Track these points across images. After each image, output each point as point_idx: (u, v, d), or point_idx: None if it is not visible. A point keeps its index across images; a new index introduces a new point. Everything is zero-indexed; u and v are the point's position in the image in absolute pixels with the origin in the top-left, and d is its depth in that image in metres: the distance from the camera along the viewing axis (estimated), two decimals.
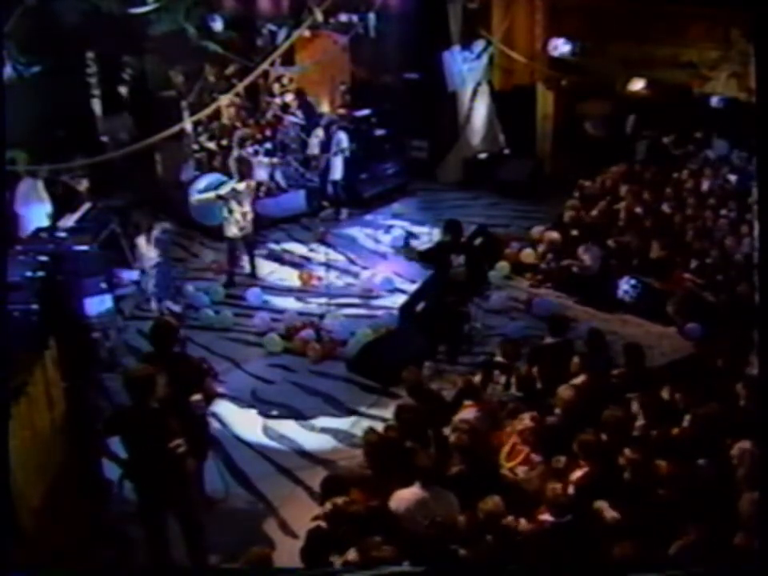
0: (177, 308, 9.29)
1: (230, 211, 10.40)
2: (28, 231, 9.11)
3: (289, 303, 10.30)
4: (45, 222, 9.52)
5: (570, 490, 5.38)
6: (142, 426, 5.51)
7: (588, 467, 5.50)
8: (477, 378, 7.11)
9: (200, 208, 11.27)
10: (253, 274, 10.90)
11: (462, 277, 8.56)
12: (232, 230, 10.51)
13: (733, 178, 11.64)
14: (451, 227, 8.81)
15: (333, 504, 5.12)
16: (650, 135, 13.23)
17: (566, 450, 5.76)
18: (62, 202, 10.24)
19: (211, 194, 10.68)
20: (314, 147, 12.85)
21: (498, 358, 7.33)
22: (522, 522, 5.26)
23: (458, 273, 8.55)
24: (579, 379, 6.60)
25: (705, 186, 11.62)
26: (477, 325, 9.45)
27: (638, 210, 11.16)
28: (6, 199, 9.58)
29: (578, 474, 5.52)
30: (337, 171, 12.82)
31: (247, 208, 10.51)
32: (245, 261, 10.97)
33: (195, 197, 11.15)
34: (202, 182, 11.49)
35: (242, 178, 10.66)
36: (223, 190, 10.51)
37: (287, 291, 10.67)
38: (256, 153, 12.40)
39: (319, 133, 12.45)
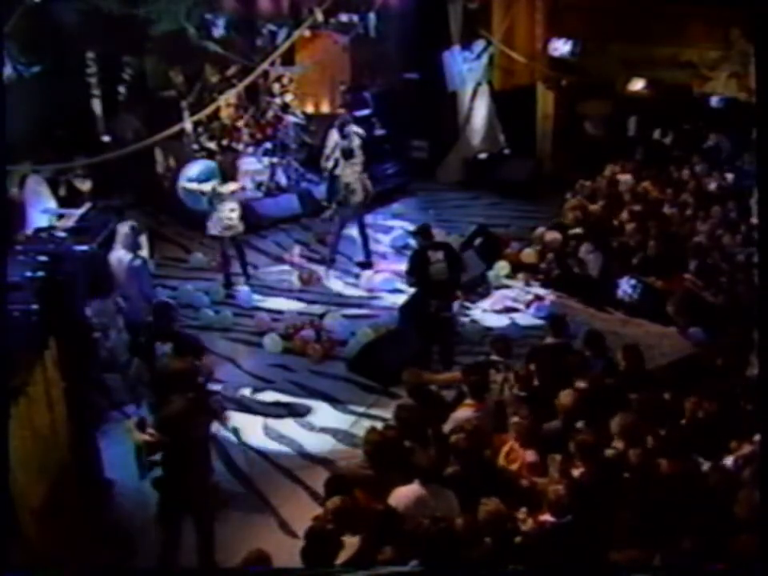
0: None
1: (214, 208, 10.35)
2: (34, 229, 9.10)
3: (288, 303, 10.30)
4: (51, 222, 9.52)
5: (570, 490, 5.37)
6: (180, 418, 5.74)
7: (584, 468, 5.50)
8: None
9: (188, 193, 11.24)
10: (245, 275, 10.78)
11: (443, 274, 8.53)
12: (213, 228, 10.44)
13: (733, 177, 11.64)
14: (421, 231, 8.94)
15: (334, 504, 5.12)
16: (650, 135, 13.23)
17: (563, 449, 5.77)
18: (65, 202, 10.25)
19: (194, 186, 10.66)
20: (328, 149, 12.25)
21: (493, 357, 7.33)
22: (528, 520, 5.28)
23: (439, 270, 8.51)
24: (579, 383, 6.57)
25: (704, 185, 11.62)
26: (476, 326, 9.46)
27: (638, 208, 11.17)
28: (15, 197, 9.59)
29: (575, 473, 5.52)
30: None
31: (231, 208, 10.37)
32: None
33: (182, 184, 11.12)
34: (193, 170, 11.43)
35: (224, 181, 10.52)
36: (206, 187, 10.48)
37: (287, 291, 10.67)
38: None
39: (334, 134, 12.39)
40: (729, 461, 5.69)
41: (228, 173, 10.81)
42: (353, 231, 12.36)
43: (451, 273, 8.60)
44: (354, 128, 11.79)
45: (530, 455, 5.97)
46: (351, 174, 11.09)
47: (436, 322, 8.57)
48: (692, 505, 5.19)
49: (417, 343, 8.78)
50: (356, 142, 12.15)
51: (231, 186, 10.49)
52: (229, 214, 10.37)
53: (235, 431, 7.30)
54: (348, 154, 11.21)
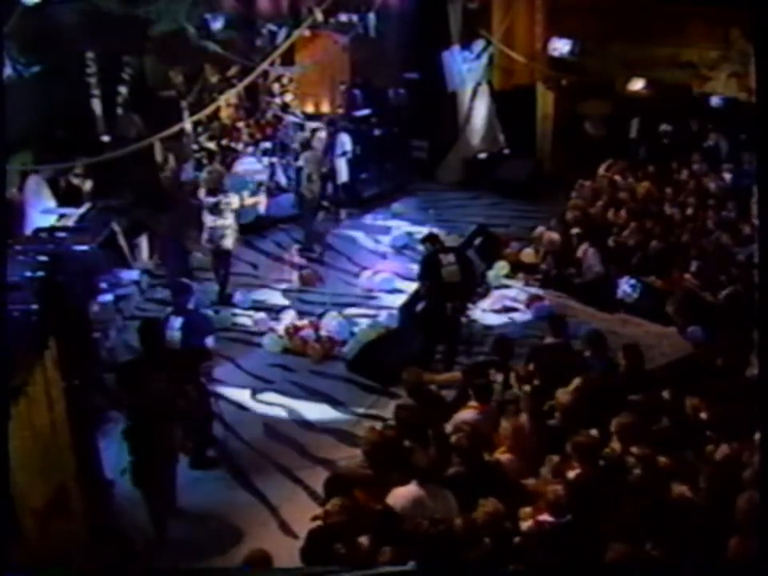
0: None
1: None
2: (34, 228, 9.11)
3: (288, 303, 10.30)
4: (51, 221, 9.53)
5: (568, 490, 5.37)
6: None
7: (581, 468, 5.50)
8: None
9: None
10: (222, 292, 10.39)
11: (455, 276, 8.60)
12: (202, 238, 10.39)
13: (732, 177, 11.65)
14: (428, 239, 9.08)
15: (334, 505, 5.12)
16: (650, 135, 13.25)
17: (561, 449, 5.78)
18: (65, 202, 10.25)
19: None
20: (317, 149, 12.36)
21: (493, 357, 7.34)
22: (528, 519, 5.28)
23: (452, 272, 8.60)
24: (578, 382, 6.58)
25: (704, 185, 11.63)
26: (476, 325, 9.46)
27: (637, 207, 11.19)
28: (15, 198, 9.59)
29: (571, 474, 5.52)
30: (343, 174, 12.78)
31: (216, 222, 10.11)
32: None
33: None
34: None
35: (210, 193, 10.27)
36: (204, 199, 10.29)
37: (286, 291, 10.67)
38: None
39: (322, 134, 12.44)
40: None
41: (209, 183, 10.51)
42: (353, 231, 12.42)
43: (464, 275, 8.67)
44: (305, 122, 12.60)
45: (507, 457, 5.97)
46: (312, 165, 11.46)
47: (447, 322, 8.61)
48: (691, 504, 5.19)
49: (417, 343, 8.79)
50: (348, 145, 12.31)
51: (220, 198, 10.20)
52: (212, 228, 10.16)
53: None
54: (306, 145, 11.68)
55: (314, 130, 12.68)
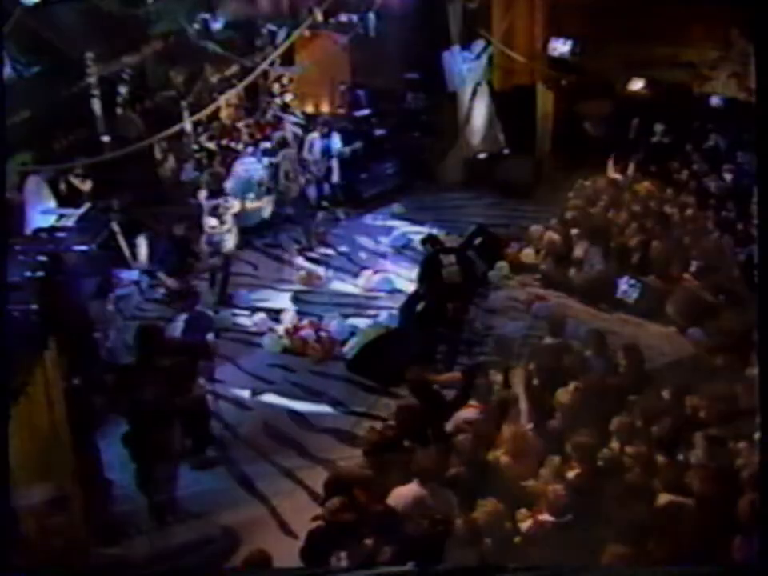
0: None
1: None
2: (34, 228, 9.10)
3: (288, 303, 10.30)
4: (51, 221, 9.53)
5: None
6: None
7: (581, 468, 5.50)
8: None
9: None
10: (221, 294, 10.34)
11: (456, 277, 8.62)
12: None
13: (732, 177, 11.65)
14: (429, 240, 9.12)
15: (334, 504, 5.13)
16: (650, 136, 13.24)
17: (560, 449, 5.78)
18: (65, 202, 10.26)
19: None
20: (315, 152, 12.34)
21: (493, 357, 7.35)
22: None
23: (452, 272, 8.62)
24: (578, 383, 6.58)
25: (704, 185, 11.64)
26: (476, 325, 9.46)
27: (637, 207, 11.19)
28: (15, 198, 9.59)
29: (571, 474, 5.53)
30: (336, 173, 12.80)
31: (220, 225, 10.10)
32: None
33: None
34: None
35: (211, 194, 10.27)
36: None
37: (286, 291, 10.67)
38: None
39: (315, 135, 12.45)
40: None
41: (210, 185, 10.44)
42: (352, 231, 12.42)
43: (465, 275, 8.67)
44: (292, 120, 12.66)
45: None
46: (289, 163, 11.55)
47: (448, 323, 8.62)
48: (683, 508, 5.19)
49: (417, 343, 8.79)
50: (338, 145, 12.28)
51: (220, 202, 10.20)
52: (211, 229, 10.13)
53: None
54: (282, 143, 11.88)
55: (306, 129, 12.73)
